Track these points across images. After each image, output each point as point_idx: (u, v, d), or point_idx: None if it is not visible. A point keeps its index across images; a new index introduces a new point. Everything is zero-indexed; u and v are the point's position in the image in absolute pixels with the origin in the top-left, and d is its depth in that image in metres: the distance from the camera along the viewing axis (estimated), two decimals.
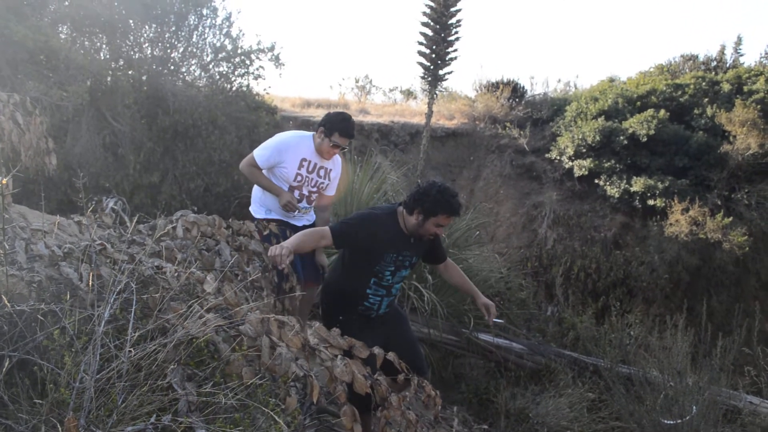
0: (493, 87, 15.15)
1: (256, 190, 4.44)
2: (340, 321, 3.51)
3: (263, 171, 4.29)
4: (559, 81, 34.80)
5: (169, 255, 2.53)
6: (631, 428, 5.21)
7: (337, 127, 4.17)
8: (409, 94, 19.09)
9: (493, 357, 6.26)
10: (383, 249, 3.48)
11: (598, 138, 12.45)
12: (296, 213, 4.28)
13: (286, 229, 4.18)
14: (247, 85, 10.51)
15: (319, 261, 4.49)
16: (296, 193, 4.30)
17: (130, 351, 1.87)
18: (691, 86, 13.78)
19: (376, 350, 2.58)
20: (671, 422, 4.97)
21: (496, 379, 5.99)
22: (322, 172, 4.36)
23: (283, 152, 4.21)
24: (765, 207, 11.74)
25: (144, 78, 9.61)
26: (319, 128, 4.23)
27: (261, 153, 4.24)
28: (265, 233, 3.76)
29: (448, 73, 13.08)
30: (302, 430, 2.94)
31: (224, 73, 10.23)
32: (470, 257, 6.88)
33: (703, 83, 13.90)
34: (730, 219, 11.39)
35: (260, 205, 4.39)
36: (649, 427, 5.07)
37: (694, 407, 4.93)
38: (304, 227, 4.35)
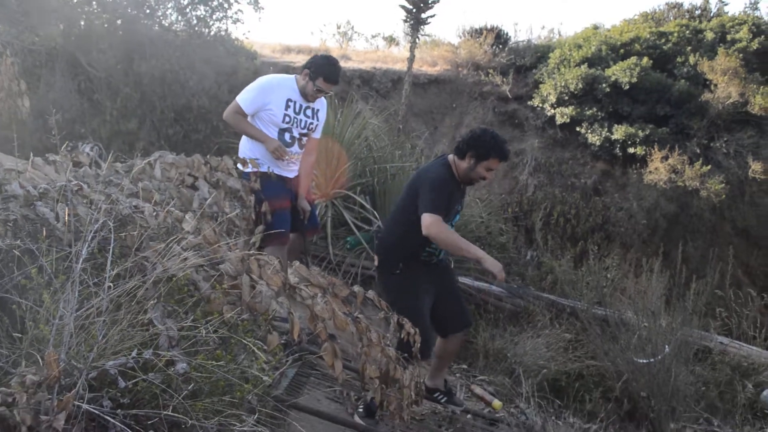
0: (477, 33, 14.94)
1: (243, 143, 4.31)
2: (401, 268, 3.67)
3: (249, 118, 4.18)
4: (543, 28, 34.61)
5: (147, 195, 2.52)
6: (606, 367, 5.37)
7: (323, 72, 4.07)
8: (391, 40, 18.80)
9: (472, 300, 6.37)
10: (452, 199, 3.63)
11: (580, 85, 12.39)
12: (286, 159, 4.15)
13: (277, 181, 4.15)
14: (226, 30, 10.26)
15: (302, 206, 4.45)
16: (287, 136, 4.19)
17: (109, 287, 1.88)
18: (675, 34, 13.69)
19: (356, 288, 2.61)
20: (644, 361, 5.13)
21: (476, 321, 6.10)
22: (309, 112, 4.26)
23: (268, 93, 4.12)
24: (742, 156, 11.84)
25: (119, 22, 9.34)
26: (304, 70, 4.13)
27: (245, 97, 4.14)
28: (255, 185, 3.73)
29: (431, 16, 12.82)
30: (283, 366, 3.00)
31: (202, 17, 9.96)
32: None
33: (687, 31, 13.81)
34: (708, 167, 11.50)
35: (249, 157, 4.17)
36: (623, 366, 5.22)
37: (667, 347, 5.07)
38: (296, 178, 4.35)
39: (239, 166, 3.99)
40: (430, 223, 3.40)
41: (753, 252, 11.86)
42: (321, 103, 4.36)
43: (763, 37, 13.24)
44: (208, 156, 3.14)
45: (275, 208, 3.86)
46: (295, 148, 4.26)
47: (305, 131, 4.27)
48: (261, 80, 4.24)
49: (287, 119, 4.15)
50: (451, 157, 3.71)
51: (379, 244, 3.91)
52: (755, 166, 11.42)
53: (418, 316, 3.53)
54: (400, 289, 3.69)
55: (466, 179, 3.66)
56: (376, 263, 3.86)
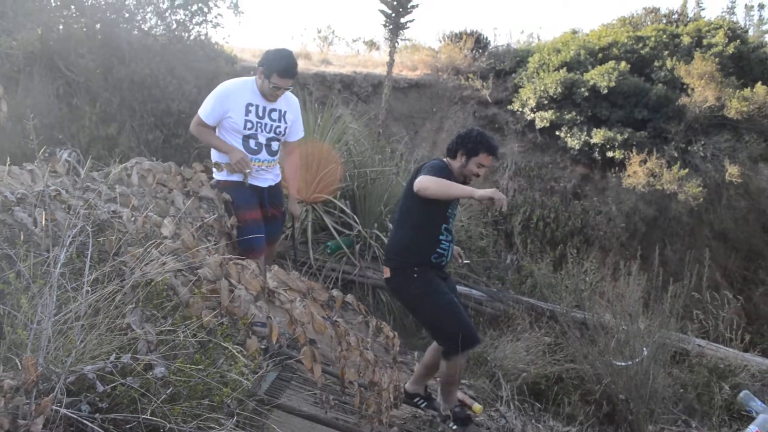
0: (457, 38, 15.05)
1: (212, 154, 4.05)
2: (417, 272, 3.66)
3: (216, 130, 3.97)
4: (523, 32, 34.89)
5: (125, 201, 2.52)
6: (585, 370, 5.42)
7: (276, 67, 3.82)
8: (372, 44, 18.84)
9: None
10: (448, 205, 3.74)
11: (559, 90, 12.52)
12: (249, 170, 3.89)
13: (250, 191, 3.97)
14: (206, 34, 10.21)
15: (293, 210, 4.37)
16: (252, 143, 3.95)
17: (87, 291, 1.88)
18: (652, 39, 13.89)
19: (335, 292, 2.63)
20: (623, 364, 5.18)
21: None
22: (274, 115, 3.99)
23: (225, 100, 3.88)
24: (719, 159, 12.03)
25: (98, 26, 9.27)
26: (258, 68, 3.89)
27: (204, 108, 3.92)
28: (224, 197, 3.61)
29: (410, 21, 12.89)
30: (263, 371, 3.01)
31: (181, 21, 9.92)
32: None
33: (664, 36, 14.02)
34: (686, 171, 11.67)
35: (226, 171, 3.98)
36: (602, 369, 5.28)
37: (645, 349, 5.13)
38: (270, 188, 4.12)
39: (214, 172, 3.90)
40: (422, 179, 3.49)
41: (730, 255, 12.05)
42: (289, 104, 4.11)
43: (738, 41, 13.49)
44: (182, 167, 3.13)
45: (246, 219, 3.75)
46: (263, 155, 4.02)
47: (273, 135, 4.02)
48: (218, 88, 3.99)
49: (249, 125, 3.91)
50: (446, 159, 3.81)
51: (388, 253, 3.91)
52: (732, 170, 11.60)
53: (453, 307, 3.63)
54: (423, 290, 3.68)
55: (460, 178, 3.71)
56: (387, 275, 3.83)
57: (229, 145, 3.88)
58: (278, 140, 4.08)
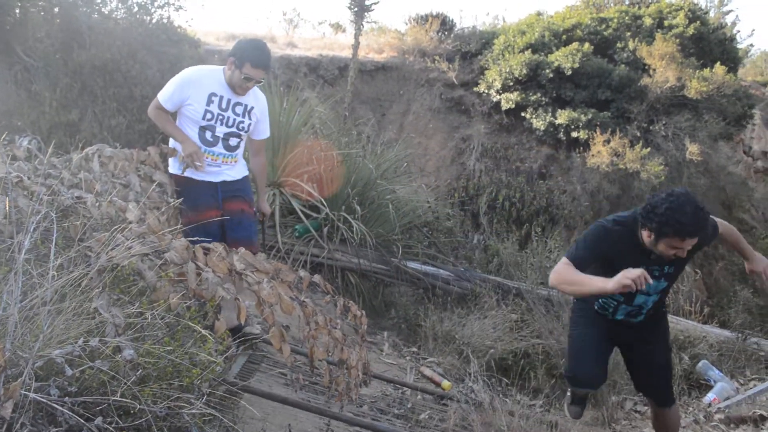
0: (423, 20, 15.04)
1: (170, 142, 3.78)
2: (581, 307, 3.48)
3: (176, 115, 3.74)
4: (488, 14, 34.88)
5: (88, 186, 2.51)
6: (550, 344, 5.56)
7: (249, 57, 3.61)
8: (338, 27, 18.71)
9: (421, 284, 6.49)
10: (615, 265, 2.96)
11: (524, 71, 12.61)
12: (200, 165, 3.62)
13: (200, 189, 3.70)
14: (168, 17, 10.05)
15: (261, 208, 4.19)
16: (208, 134, 3.69)
17: (53, 276, 1.89)
18: (615, 20, 14.05)
19: (302, 273, 2.66)
20: None
21: (425, 304, 6.23)
22: (239, 109, 3.76)
23: (187, 87, 3.65)
24: (680, 138, 12.28)
25: (56, 10, 9.07)
26: (229, 58, 3.67)
27: (165, 91, 3.70)
28: (177, 189, 3.51)
29: (375, 3, 12.86)
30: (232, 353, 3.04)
31: (143, 4, 9.75)
32: (398, 188, 7.01)
33: (626, 17, 14.19)
34: (648, 150, 11.89)
35: (175, 158, 3.72)
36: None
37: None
38: (225, 183, 3.81)
39: (170, 161, 3.71)
40: (555, 269, 3.07)
41: None
42: (257, 100, 3.88)
43: (698, 22, 13.72)
44: (136, 150, 3.11)
45: (195, 220, 3.51)
46: (218, 148, 3.75)
47: (234, 130, 3.77)
48: (182, 73, 3.74)
49: (209, 116, 3.67)
50: (622, 220, 3.17)
51: None
52: (692, 148, 11.86)
53: (575, 340, 3.47)
54: (573, 320, 3.57)
55: (655, 252, 3.04)
56: None
57: (184, 135, 3.66)
58: (239, 136, 3.82)
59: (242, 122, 3.78)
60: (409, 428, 3.72)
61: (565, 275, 3.01)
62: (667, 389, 3.45)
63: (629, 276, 2.72)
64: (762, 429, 4.34)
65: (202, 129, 3.69)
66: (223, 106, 3.70)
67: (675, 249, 2.91)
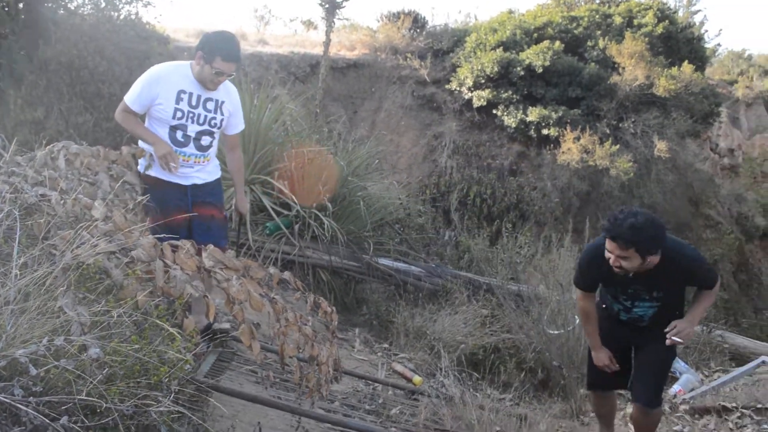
0: (395, 17, 15.08)
1: (140, 143, 3.61)
2: (602, 309, 3.51)
3: (145, 118, 3.58)
4: (460, 12, 35.17)
5: (53, 184, 2.48)
6: (520, 339, 5.63)
7: (220, 51, 3.44)
8: (309, 24, 18.67)
9: (392, 281, 6.51)
10: (605, 284, 3.37)
11: (496, 69, 12.72)
12: (175, 167, 3.48)
13: (172, 188, 3.57)
14: (136, 13, 9.93)
15: (239, 207, 4.07)
16: (179, 134, 3.54)
17: (16, 275, 1.86)
18: (585, 19, 14.23)
19: (272, 270, 2.66)
20: (556, 332, 5.41)
21: (396, 301, 6.25)
22: (210, 105, 3.60)
23: (154, 85, 3.48)
24: (648, 135, 12.51)
25: (21, 6, 8.92)
26: (197, 53, 3.49)
27: (131, 93, 3.53)
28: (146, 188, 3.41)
29: (347, 0, 12.87)
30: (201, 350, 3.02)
31: None
32: (370, 185, 7.03)
33: (597, 16, 14.39)
34: (617, 147, 12.08)
35: (143, 159, 3.57)
36: (536, 337, 5.49)
37: (577, 318, 5.35)
38: (195, 186, 3.66)
39: (139, 162, 3.58)
40: (577, 296, 3.53)
41: None
42: (228, 94, 3.72)
43: (667, 21, 13.98)
44: (107, 149, 3.07)
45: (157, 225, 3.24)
46: (190, 148, 3.59)
47: (206, 128, 3.61)
48: (147, 72, 3.57)
49: (179, 114, 3.51)
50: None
51: None
52: (660, 145, 12.08)
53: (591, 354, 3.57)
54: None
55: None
56: None
57: (155, 136, 3.49)
58: (211, 134, 3.67)
59: (214, 118, 3.63)
60: (381, 423, 3.74)
61: (581, 307, 3.46)
62: (655, 389, 3.47)
63: (598, 363, 3.43)
64: (726, 420, 4.44)
65: (173, 129, 3.53)
66: (193, 103, 3.55)
67: (610, 255, 3.04)
